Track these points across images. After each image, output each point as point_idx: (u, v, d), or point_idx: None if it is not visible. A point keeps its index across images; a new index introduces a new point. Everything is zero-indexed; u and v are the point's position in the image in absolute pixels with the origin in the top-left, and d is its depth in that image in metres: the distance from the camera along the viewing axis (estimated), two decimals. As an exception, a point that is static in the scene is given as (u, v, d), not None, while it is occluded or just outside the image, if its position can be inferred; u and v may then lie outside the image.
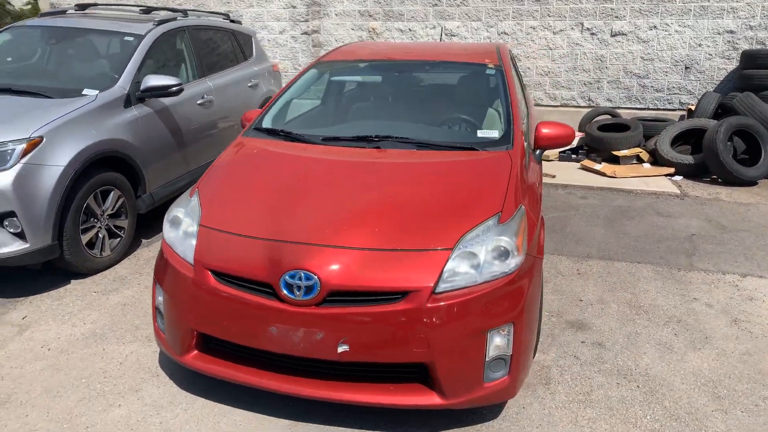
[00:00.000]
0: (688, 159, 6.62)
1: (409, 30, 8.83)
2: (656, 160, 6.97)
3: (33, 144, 3.48)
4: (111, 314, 3.42)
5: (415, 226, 2.43)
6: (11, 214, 3.38)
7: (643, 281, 3.95)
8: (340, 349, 2.23)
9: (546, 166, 7.03)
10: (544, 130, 3.26)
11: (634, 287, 3.86)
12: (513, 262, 2.37)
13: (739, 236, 4.77)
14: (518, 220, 2.50)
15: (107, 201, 4.00)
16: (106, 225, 4.02)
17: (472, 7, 8.52)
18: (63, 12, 5.24)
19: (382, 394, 2.30)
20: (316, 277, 2.24)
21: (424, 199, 2.59)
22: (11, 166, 3.38)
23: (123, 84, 4.26)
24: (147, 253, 4.30)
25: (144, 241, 4.53)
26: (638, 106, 8.27)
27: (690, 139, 7.05)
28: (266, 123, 3.40)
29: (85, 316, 3.40)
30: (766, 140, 6.43)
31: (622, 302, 3.65)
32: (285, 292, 2.25)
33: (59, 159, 3.57)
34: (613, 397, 2.71)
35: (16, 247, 3.44)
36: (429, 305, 2.21)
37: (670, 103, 8.16)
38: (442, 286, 2.26)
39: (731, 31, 7.71)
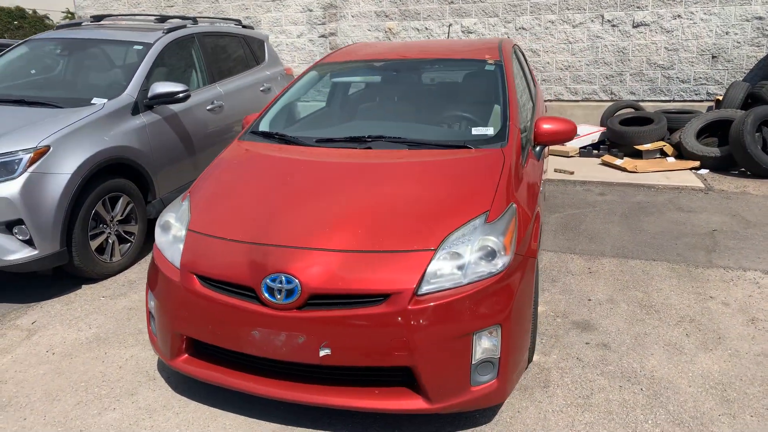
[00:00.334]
0: (714, 151, 6.38)
1: (426, 29, 8.76)
2: (681, 153, 6.74)
3: (40, 153, 3.56)
4: (116, 318, 3.47)
5: (399, 226, 2.38)
6: (19, 221, 3.47)
7: (657, 279, 3.81)
8: (321, 353, 2.21)
9: (565, 163, 6.88)
10: (544, 126, 3.17)
11: (647, 286, 3.72)
12: (500, 262, 2.30)
13: (765, 231, 4.56)
14: (507, 219, 2.43)
15: (116, 207, 4.08)
16: (116, 231, 4.10)
17: (489, 3, 8.41)
18: (78, 24, 5.38)
19: (367, 398, 2.27)
20: (296, 280, 2.22)
21: (410, 199, 2.54)
22: (19, 175, 3.47)
23: (131, 92, 4.34)
24: (157, 258, 4.36)
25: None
26: (663, 98, 8.02)
27: (717, 131, 6.80)
28: (263, 126, 3.40)
29: (92, 320, 3.46)
30: (797, 130, 6.14)
31: (633, 302, 3.52)
32: (266, 295, 2.24)
33: (66, 167, 3.64)
34: (614, 401, 2.61)
35: (25, 253, 3.52)
36: (411, 307, 2.16)
37: (696, 95, 7.89)
38: (424, 288, 2.21)
39: (760, 18, 7.41)
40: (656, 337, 3.12)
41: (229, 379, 2.41)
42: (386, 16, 8.95)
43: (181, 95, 4.42)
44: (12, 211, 3.44)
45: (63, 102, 4.13)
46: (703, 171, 6.37)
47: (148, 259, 4.36)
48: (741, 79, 7.64)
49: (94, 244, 3.90)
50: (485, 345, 2.26)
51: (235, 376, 2.41)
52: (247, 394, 2.60)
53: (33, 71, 4.85)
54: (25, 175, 3.49)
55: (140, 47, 4.69)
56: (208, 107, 5.11)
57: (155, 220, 4.56)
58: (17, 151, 3.51)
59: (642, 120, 7.20)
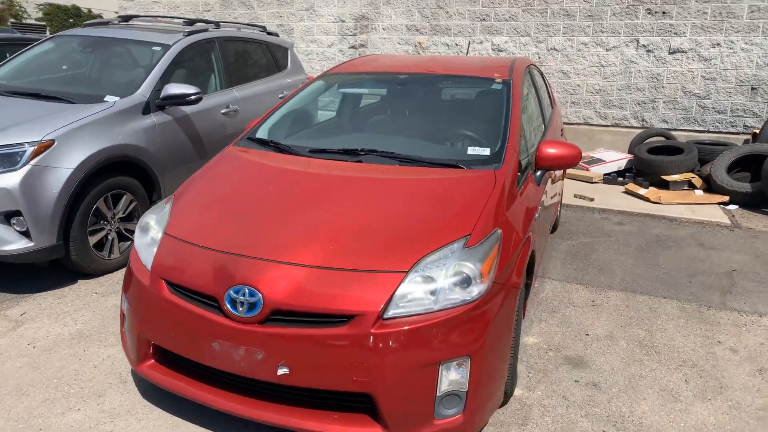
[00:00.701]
0: (746, 187, 6.09)
1: (456, 45, 8.68)
2: (710, 186, 6.46)
3: (44, 146, 3.60)
4: (104, 316, 3.46)
5: (374, 245, 2.29)
6: (17, 213, 3.51)
7: (663, 318, 3.61)
8: (279, 372, 2.12)
9: (586, 188, 6.67)
10: (547, 150, 3.04)
11: (652, 324, 3.53)
12: (476, 290, 2.18)
13: (788, 275, 4.29)
14: (489, 245, 2.31)
15: (119, 204, 4.10)
16: (117, 228, 4.11)
17: (522, 23, 8.28)
18: (106, 23, 5.48)
19: (325, 422, 2.17)
20: (260, 294, 2.14)
21: (390, 217, 2.44)
22: (21, 167, 3.51)
23: (143, 91, 4.37)
24: (157, 258, 4.36)
25: (158, 245, 4.60)
26: (697, 129, 7.73)
27: (750, 165, 6.49)
28: (260, 133, 3.36)
29: (79, 316, 3.46)
30: (836, 170, 5.81)
31: (634, 340, 3.34)
32: (229, 307, 2.17)
33: (68, 162, 3.67)
34: (595, 447, 2.45)
35: (21, 244, 3.55)
36: (374, 331, 2.06)
37: (733, 126, 7.57)
38: (391, 311, 2.10)
39: (804, 50, 7.08)
40: (652, 381, 2.93)
41: (190, 390, 2.35)
42: (417, 30, 8.91)
43: (192, 97, 4.44)
44: (11, 202, 3.48)
45: (77, 98, 4.18)
46: (732, 207, 6.08)
47: (147, 258, 4.36)
48: (781, 113, 7.30)
49: (93, 239, 3.92)
50: (452, 377, 2.14)
51: (197, 387, 2.35)
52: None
53: (64, 66, 4.95)
54: (27, 167, 3.52)
55: (158, 48, 4.74)
56: (222, 111, 5.12)
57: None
58: (22, 143, 3.56)
59: (671, 149, 6.95)
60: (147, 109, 4.35)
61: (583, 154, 7.70)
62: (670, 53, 7.65)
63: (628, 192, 6.53)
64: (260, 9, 9.82)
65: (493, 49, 8.51)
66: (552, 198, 4.18)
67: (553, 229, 5.11)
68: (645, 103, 7.89)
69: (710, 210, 5.91)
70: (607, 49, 7.94)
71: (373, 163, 2.89)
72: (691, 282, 4.16)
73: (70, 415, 2.56)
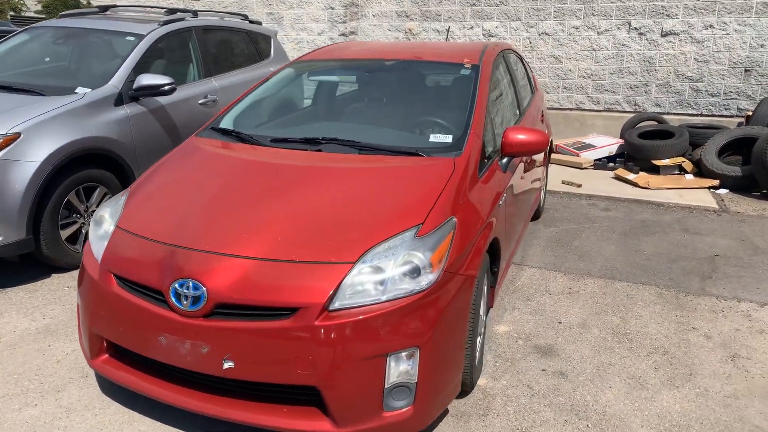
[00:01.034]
0: (735, 170, 5.99)
1: (446, 31, 8.56)
2: (701, 171, 6.36)
3: (9, 140, 3.56)
4: (72, 310, 3.44)
5: (324, 236, 2.24)
6: (-16, 207, 3.48)
7: (639, 305, 3.55)
8: (225, 366, 2.09)
9: (574, 174, 6.59)
10: (513, 136, 2.98)
11: (627, 311, 3.47)
12: (425, 280, 2.13)
13: (772, 259, 4.22)
14: (441, 234, 2.26)
15: (92, 197, 4.06)
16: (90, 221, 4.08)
17: (512, 7, 8.15)
18: (83, 13, 5.41)
19: (274, 416, 2.14)
20: (203, 287, 2.10)
21: (344, 207, 2.39)
22: (-14, 161, 3.48)
23: (115, 83, 4.32)
24: (133, 251, 4.33)
25: (135, 238, 4.57)
26: (690, 112, 7.61)
27: (742, 148, 6.39)
28: (224, 123, 3.31)
29: (48, 311, 3.44)
30: (828, 151, 5.70)
31: (607, 327, 3.28)
32: (173, 300, 2.14)
33: (36, 155, 3.64)
34: (554, 437, 2.41)
35: (-11, 239, 3.53)
36: (318, 323, 2.02)
37: (726, 109, 7.45)
38: (337, 303, 2.06)
39: (799, 30, 6.93)
40: (620, 369, 2.89)
41: (142, 384, 2.32)
42: (407, 17, 8.80)
43: (166, 88, 4.38)
44: (-23, 196, 3.45)
45: (48, 90, 4.14)
46: (722, 191, 5.99)
47: (123, 251, 4.33)
48: (775, 94, 7.17)
49: (66, 233, 3.89)
50: (401, 368, 2.10)
51: (148, 381, 2.32)
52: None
53: (47, 59, 4.89)
54: (-7, 161, 3.49)
55: (132, 38, 4.68)
56: (200, 101, 5.07)
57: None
58: (-13, 137, 3.53)
59: (663, 134, 6.84)
60: (120, 100, 4.31)
61: (574, 140, 7.64)
62: (662, 36, 7.52)
63: (617, 177, 6.45)
64: (249, -2, 9.72)
65: (484, 35, 8.39)
66: (532, 183, 4.12)
67: (537, 216, 5.05)
68: (637, 87, 7.76)
69: (699, 194, 5.82)
70: (598, 33, 7.81)
71: (334, 152, 2.83)
72: (671, 268, 4.10)
73: (26, 410, 2.54)
